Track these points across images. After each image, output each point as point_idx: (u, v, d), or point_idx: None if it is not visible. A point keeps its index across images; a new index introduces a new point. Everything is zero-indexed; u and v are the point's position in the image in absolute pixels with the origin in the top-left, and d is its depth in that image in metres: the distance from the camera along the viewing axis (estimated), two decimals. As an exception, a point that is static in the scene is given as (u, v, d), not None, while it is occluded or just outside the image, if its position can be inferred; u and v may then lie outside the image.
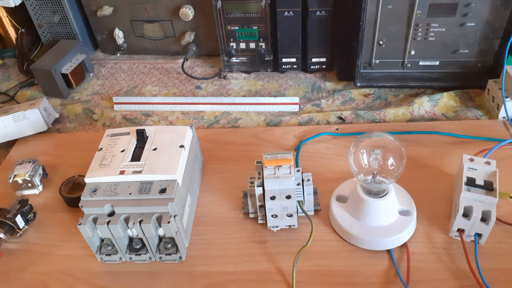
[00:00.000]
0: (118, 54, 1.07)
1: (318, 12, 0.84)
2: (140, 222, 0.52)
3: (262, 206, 0.58)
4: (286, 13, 0.85)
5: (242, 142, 0.76)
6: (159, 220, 0.53)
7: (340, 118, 0.81)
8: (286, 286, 0.54)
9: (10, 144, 0.81)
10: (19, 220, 0.62)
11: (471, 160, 0.59)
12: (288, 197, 0.56)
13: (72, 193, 0.66)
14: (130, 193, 0.54)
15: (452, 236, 0.57)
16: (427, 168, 0.67)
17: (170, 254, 0.56)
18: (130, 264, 0.57)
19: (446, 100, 0.81)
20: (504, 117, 0.75)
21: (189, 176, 0.61)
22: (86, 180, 0.56)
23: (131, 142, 0.61)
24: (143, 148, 0.60)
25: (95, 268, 0.58)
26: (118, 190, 0.54)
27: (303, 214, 0.58)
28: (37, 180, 0.69)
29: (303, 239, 0.56)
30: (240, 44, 0.91)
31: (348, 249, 0.57)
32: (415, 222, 0.57)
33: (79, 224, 0.52)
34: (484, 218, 0.53)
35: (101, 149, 0.60)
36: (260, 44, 0.91)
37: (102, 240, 0.56)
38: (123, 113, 0.87)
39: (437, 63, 0.84)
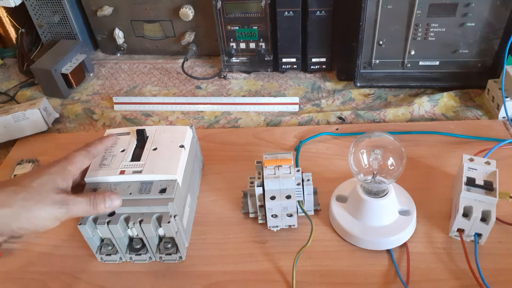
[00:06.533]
0: (118, 54, 1.07)
1: (318, 12, 0.84)
2: (140, 222, 0.52)
3: (262, 206, 0.58)
4: (286, 13, 0.85)
5: (242, 142, 0.76)
6: (159, 220, 0.53)
7: (340, 118, 0.81)
8: (286, 286, 0.54)
9: (10, 144, 0.81)
10: (19, 220, 0.62)
11: (471, 160, 0.58)
12: (288, 197, 0.56)
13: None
14: (130, 193, 0.54)
15: (452, 236, 0.57)
16: (427, 168, 0.67)
17: (170, 254, 0.56)
18: (130, 264, 0.57)
19: (446, 100, 0.81)
20: (504, 117, 0.75)
21: (189, 176, 0.61)
22: (86, 180, 0.56)
23: (131, 142, 0.61)
24: (143, 148, 0.60)
25: (95, 268, 0.58)
26: (118, 190, 0.54)
27: (303, 214, 0.58)
28: (37, 180, 0.69)
29: (303, 239, 0.56)
30: (240, 44, 0.91)
31: (348, 249, 0.57)
32: (415, 222, 0.57)
33: (79, 224, 0.52)
34: (484, 218, 0.53)
35: (101, 149, 0.60)
36: (260, 44, 0.91)
37: (102, 240, 0.56)
38: (123, 113, 0.87)
39: (437, 63, 0.84)
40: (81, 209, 0.49)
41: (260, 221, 0.60)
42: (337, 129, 0.76)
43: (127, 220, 0.53)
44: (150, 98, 0.89)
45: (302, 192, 0.57)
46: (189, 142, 0.63)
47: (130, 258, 0.56)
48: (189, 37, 0.99)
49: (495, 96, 0.76)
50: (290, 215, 0.57)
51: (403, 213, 0.58)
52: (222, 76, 0.96)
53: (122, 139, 0.61)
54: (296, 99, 0.85)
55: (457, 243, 0.56)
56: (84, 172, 0.56)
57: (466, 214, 0.54)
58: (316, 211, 0.62)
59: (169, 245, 0.55)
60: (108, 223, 0.52)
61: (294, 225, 0.59)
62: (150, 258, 0.56)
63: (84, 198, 0.50)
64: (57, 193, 0.48)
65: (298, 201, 0.58)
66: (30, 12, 1.00)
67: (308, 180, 0.58)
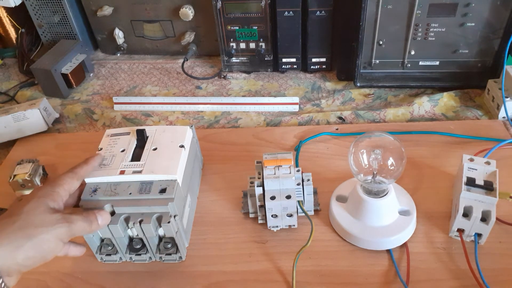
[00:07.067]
0: (118, 54, 1.07)
1: (318, 12, 0.84)
2: (140, 222, 0.52)
3: (262, 206, 0.58)
4: (286, 13, 0.85)
5: (242, 142, 0.76)
6: (159, 220, 0.53)
7: (340, 118, 0.81)
8: (286, 286, 0.54)
9: (10, 144, 0.81)
10: (19, 220, 0.62)
11: (471, 160, 0.59)
12: (288, 197, 0.56)
13: (72, 193, 0.66)
14: (130, 193, 0.54)
15: (452, 236, 0.57)
16: (427, 168, 0.67)
17: (170, 254, 0.56)
18: (130, 264, 0.57)
19: (446, 100, 0.81)
20: (504, 117, 0.75)
21: (189, 176, 0.61)
22: (86, 180, 0.56)
23: (131, 142, 0.61)
24: (143, 148, 0.60)
25: (95, 268, 0.58)
26: (118, 190, 0.54)
27: (303, 214, 0.58)
28: (37, 180, 0.69)
29: (303, 239, 0.56)
30: (240, 44, 0.91)
31: (348, 249, 0.57)
32: (415, 222, 0.57)
33: (79, 224, 0.52)
34: (484, 218, 0.53)
35: (101, 149, 0.60)
36: (260, 44, 0.91)
37: (102, 240, 0.56)
38: (123, 113, 0.87)
39: (437, 63, 0.84)
40: (80, 227, 0.47)
41: (260, 221, 0.60)
42: (337, 129, 0.76)
43: (127, 220, 0.53)
44: (150, 98, 0.89)
45: (302, 192, 0.57)
46: (189, 142, 0.63)
47: (130, 258, 0.56)
48: (189, 37, 0.99)
49: (495, 96, 0.76)
50: (290, 215, 0.57)
51: (403, 213, 0.58)
52: (222, 76, 0.96)
53: (122, 139, 0.61)
54: (296, 99, 0.85)
55: (457, 243, 0.56)
56: (76, 197, 0.54)
57: (466, 214, 0.54)
58: (316, 211, 0.62)
59: (169, 245, 0.55)
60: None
61: (294, 225, 0.59)
62: (150, 258, 0.56)
63: (79, 216, 0.48)
64: (52, 213, 0.46)
65: (298, 201, 0.58)
66: (30, 12, 1.00)
67: (308, 180, 0.58)
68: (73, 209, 0.52)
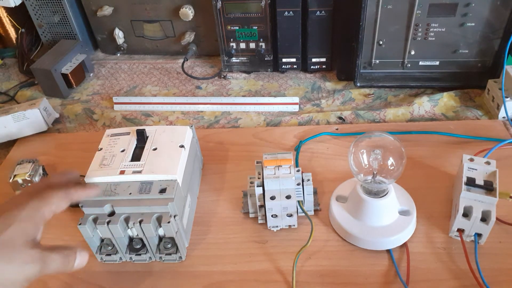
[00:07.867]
0: (118, 54, 1.07)
1: (318, 12, 0.84)
2: (140, 222, 0.52)
3: (262, 206, 0.58)
4: (286, 13, 0.85)
5: (242, 142, 0.76)
6: (159, 220, 0.53)
7: (340, 118, 0.81)
8: (286, 286, 0.54)
9: (10, 144, 0.81)
10: (19, 220, 0.62)
11: (471, 160, 0.59)
12: (288, 197, 0.56)
13: (72, 193, 0.66)
14: (130, 193, 0.54)
15: (452, 236, 0.57)
16: (427, 168, 0.67)
17: (170, 254, 0.56)
18: (130, 264, 0.57)
19: (446, 100, 0.81)
20: (504, 117, 0.75)
21: (189, 176, 0.61)
22: (86, 180, 0.56)
23: (131, 142, 0.61)
24: (143, 148, 0.60)
25: (95, 268, 0.57)
26: (118, 190, 0.54)
27: (303, 214, 0.58)
28: (37, 180, 0.69)
29: (303, 239, 0.56)
30: (240, 44, 0.91)
31: (348, 249, 0.57)
32: (415, 222, 0.57)
33: (79, 224, 0.52)
34: (484, 218, 0.53)
35: (101, 149, 0.60)
36: (260, 44, 0.91)
37: (102, 240, 0.56)
38: (123, 113, 0.87)
39: (437, 63, 0.84)
40: (55, 268, 0.42)
41: (260, 221, 0.60)
42: (337, 129, 0.76)
43: (127, 220, 0.53)
44: (150, 98, 0.89)
45: (302, 192, 0.57)
46: (189, 142, 0.63)
47: (130, 258, 0.56)
48: (189, 37, 0.99)
49: (495, 96, 0.76)
50: (290, 215, 0.57)
51: (403, 213, 0.58)
52: (222, 76, 0.96)
53: (122, 139, 0.61)
54: (296, 99, 0.85)
55: (457, 243, 0.56)
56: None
57: (466, 214, 0.54)
58: (316, 211, 0.62)
59: (169, 245, 0.55)
60: (108, 223, 0.52)
61: (294, 225, 0.59)
62: (150, 258, 0.56)
63: (58, 255, 0.42)
64: (31, 247, 0.40)
65: (298, 201, 0.58)
66: (30, 12, 1.00)
67: (308, 180, 0.58)
68: (54, 246, 0.44)
